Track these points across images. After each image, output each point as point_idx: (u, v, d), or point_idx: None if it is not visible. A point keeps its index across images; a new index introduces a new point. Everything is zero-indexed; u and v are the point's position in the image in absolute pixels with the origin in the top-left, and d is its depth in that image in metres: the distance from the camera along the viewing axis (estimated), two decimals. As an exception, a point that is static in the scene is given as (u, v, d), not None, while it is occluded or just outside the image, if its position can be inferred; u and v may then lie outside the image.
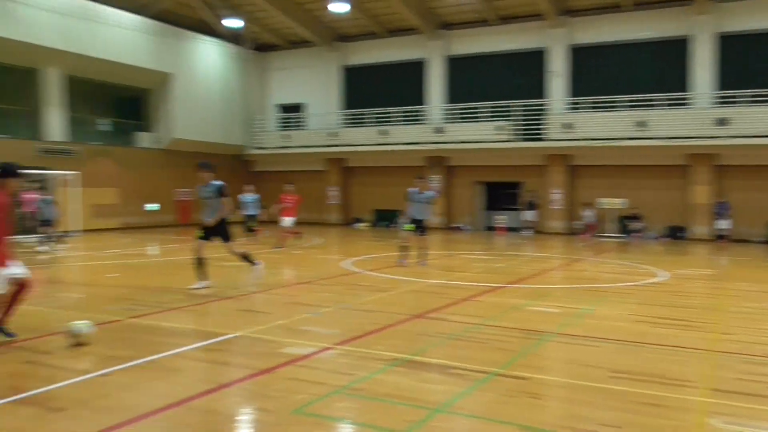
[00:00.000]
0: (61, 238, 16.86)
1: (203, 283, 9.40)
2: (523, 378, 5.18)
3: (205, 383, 5.02)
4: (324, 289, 10.01)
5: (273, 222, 18.02)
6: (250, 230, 18.31)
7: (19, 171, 6.39)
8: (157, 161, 25.52)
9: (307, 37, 28.55)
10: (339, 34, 28.95)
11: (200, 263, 9.42)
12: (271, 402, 4.53)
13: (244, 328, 6.90)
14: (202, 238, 9.46)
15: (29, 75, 22.09)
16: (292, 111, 30.33)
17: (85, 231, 21.45)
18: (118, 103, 26.60)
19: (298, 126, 29.92)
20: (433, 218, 26.46)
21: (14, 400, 4.53)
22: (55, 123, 22.39)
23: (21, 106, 22.26)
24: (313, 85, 29.88)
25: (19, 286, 6.35)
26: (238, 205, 18.09)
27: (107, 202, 23.61)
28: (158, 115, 26.38)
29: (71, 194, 21.00)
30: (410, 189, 12.91)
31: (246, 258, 9.73)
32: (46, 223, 16.28)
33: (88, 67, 22.93)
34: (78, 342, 6.00)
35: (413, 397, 4.66)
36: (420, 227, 12.86)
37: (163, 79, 25.74)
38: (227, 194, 9.45)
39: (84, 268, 13.54)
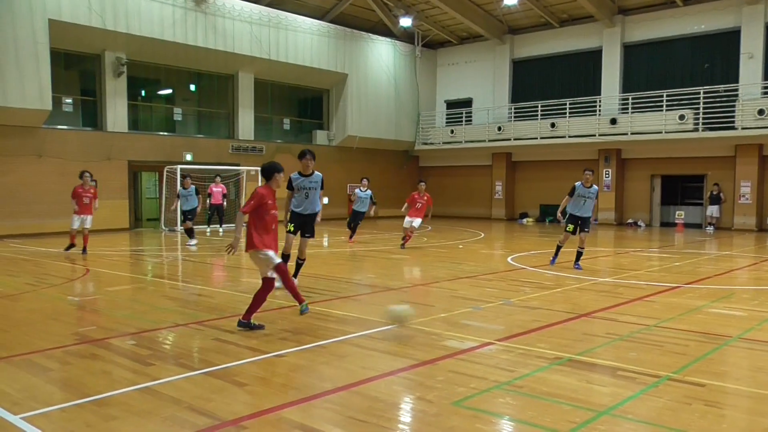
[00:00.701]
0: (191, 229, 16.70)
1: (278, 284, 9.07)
2: (699, 384, 4.80)
3: (369, 370, 5.22)
4: (486, 284, 9.96)
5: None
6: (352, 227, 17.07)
7: (280, 167, 6.84)
8: (332, 157, 27.03)
9: (478, 32, 28.53)
10: (510, 27, 28.55)
11: (287, 260, 8.75)
12: (431, 393, 4.61)
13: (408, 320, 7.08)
14: (292, 232, 9.02)
15: (227, 80, 24.53)
16: (460, 106, 30.46)
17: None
18: (299, 103, 28.61)
19: (466, 121, 29.93)
20: (595, 215, 25.48)
21: (206, 372, 5.08)
22: (246, 123, 24.66)
23: (220, 108, 24.84)
24: (481, 79, 29.79)
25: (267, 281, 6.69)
26: (353, 199, 17.64)
27: (285, 196, 25.47)
28: (334, 114, 27.91)
29: (255, 188, 23.02)
30: (577, 183, 12.03)
31: (299, 265, 9.32)
32: (191, 213, 16.51)
33: (274, 70, 24.97)
34: (401, 324, 6.36)
35: (577, 397, 4.51)
36: (583, 225, 11.95)
37: (339, 79, 27.21)
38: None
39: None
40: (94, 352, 5.74)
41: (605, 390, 4.74)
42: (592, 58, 26.30)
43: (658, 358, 5.61)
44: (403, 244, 15.23)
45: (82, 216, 13.70)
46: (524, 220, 27.42)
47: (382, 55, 28.64)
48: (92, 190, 13.91)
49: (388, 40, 28.84)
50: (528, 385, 4.79)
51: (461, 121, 29.91)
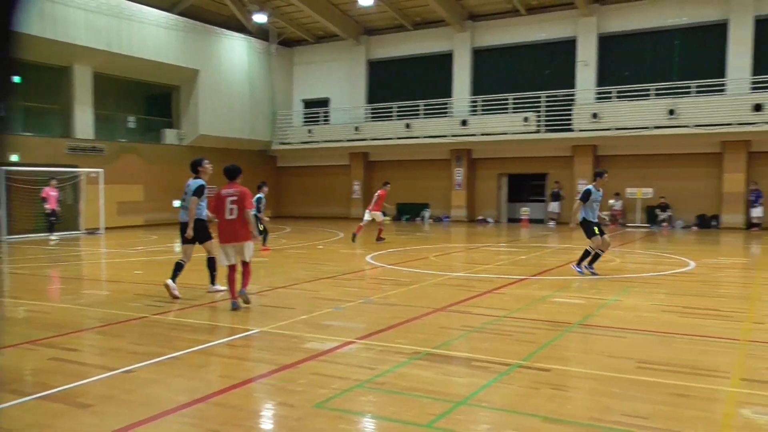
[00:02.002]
0: None
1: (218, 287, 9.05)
2: (546, 370, 5.12)
3: (228, 379, 5.04)
4: (347, 284, 10.01)
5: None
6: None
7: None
8: (183, 157, 25.68)
9: (334, 32, 28.66)
10: (366, 27, 28.97)
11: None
12: (293, 397, 4.53)
13: (267, 324, 6.93)
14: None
15: (61, 73, 22.41)
16: (317, 106, 30.44)
17: (110, 228, 21.73)
18: (146, 100, 27.00)
19: (324, 121, 29.99)
20: (459, 211, 26.71)
21: (42, 396, 4.59)
22: (84, 121, 22.69)
23: (53, 104, 22.66)
24: (338, 79, 29.97)
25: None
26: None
27: (133, 199, 23.92)
28: (185, 112, 26.67)
29: (96, 191, 21.29)
30: (590, 186, 10.75)
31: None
32: None
33: (116, 64, 23.25)
34: None
35: (436, 390, 4.63)
36: (600, 229, 10.79)
37: (190, 75, 26.01)
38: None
39: (109, 265, 13.74)
40: None
41: (462, 381, 4.92)
42: (445, 61, 27.41)
43: (508, 346, 5.92)
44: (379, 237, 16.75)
45: None
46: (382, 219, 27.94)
47: (235, 52, 27.84)
48: None
49: (242, 36, 28.10)
50: (389, 382, 4.85)
51: (319, 121, 29.93)
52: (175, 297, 8.47)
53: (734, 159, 21.82)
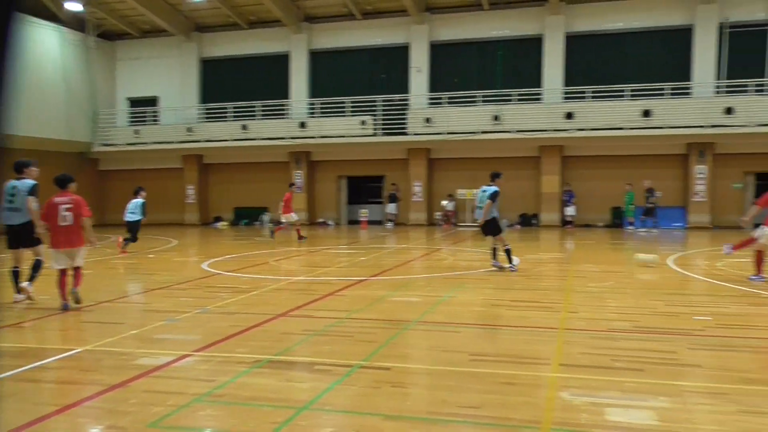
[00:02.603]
0: None
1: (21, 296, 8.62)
2: (385, 368, 5.22)
3: (46, 406, 4.53)
4: (181, 294, 9.51)
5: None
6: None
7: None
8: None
9: (162, 26, 27.15)
10: (197, 24, 27.83)
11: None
12: (124, 418, 4.19)
13: (91, 342, 6.37)
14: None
15: None
16: (144, 105, 28.69)
17: None
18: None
19: (152, 121, 28.38)
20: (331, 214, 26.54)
21: None
22: None
23: None
24: (168, 77, 28.51)
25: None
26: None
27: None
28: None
29: None
30: (496, 187, 11.13)
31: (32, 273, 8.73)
32: None
33: None
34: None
35: (278, 397, 4.54)
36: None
37: (-13, 67, 23.12)
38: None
39: None
40: None
41: (304, 386, 4.86)
42: (282, 62, 27.17)
43: (349, 348, 5.97)
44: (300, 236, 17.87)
45: None
46: (218, 224, 27.06)
47: (45, 43, 25.21)
48: None
49: (53, 25, 25.51)
50: (229, 393, 4.67)
51: (147, 121, 28.28)
52: (30, 298, 8.49)
53: (550, 162, 23.97)
